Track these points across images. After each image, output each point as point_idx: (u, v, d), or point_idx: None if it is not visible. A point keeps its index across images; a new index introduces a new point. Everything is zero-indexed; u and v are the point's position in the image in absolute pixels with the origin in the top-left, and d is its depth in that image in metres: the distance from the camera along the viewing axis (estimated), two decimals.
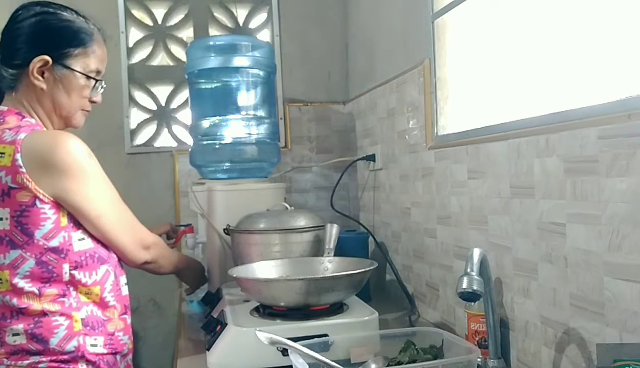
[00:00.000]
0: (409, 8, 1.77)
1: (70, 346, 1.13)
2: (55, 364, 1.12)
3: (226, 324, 1.27)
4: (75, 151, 1.15)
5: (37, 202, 1.11)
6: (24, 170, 1.10)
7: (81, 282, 1.16)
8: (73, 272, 1.15)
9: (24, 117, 1.20)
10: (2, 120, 1.18)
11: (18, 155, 1.11)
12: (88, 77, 1.26)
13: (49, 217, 1.13)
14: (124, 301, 1.26)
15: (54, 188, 1.12)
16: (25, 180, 1.10)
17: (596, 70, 1.04)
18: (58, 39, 1.23)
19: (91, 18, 1.30)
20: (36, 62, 1.19)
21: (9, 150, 1.11)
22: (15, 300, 1.12)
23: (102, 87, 1.30)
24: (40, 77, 1.21)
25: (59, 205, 1.14)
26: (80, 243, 1.17)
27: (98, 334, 1.18)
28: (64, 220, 1.15)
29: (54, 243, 1.13)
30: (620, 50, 0.98)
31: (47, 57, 1.20)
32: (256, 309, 1.37)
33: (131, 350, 1.28)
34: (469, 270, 1.00)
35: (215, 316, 1.37)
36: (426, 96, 1.62)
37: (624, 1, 0.97)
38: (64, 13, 1.25)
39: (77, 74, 1.24)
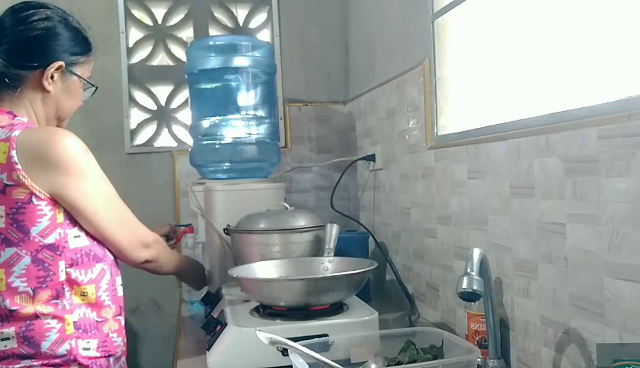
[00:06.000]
0: (409, 8, 1.77)
1: (62, 349, 1.13)
2: None
3: (226, 324, 1.26)
4: (71, 147, 1.15)
5: (34, 199, 1.11)
6: (19, 166, 1.10)
7: (77, 281, 1.16)
8: (69, 270, 1.15)
9: (15, 115, 1.20)
10: None
11: (13, 152, 1.10)
12: (88, 84, 1.29)
13: (45, 214, 1.12)
14: (118, 302, 1.26)
15: (50, 184, 1.12)
16: (21, 177, 1.10)
17: (596, 70, 1.04)
18: (73, 45, 1.25)
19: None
20: (54, 66, 1.21)
21: (3, 147, 1.11)
22: (7, 301, 1.11)
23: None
24: (51, 81, 1.22)
25: (55, 201, 1.14)
26: (76, 240, 1.17)
27: (91, 337, 1.17)
28: (60, 217, 1.15)
29: (49, 240, 1.13)
30: (620, 50, 0.98)
31: (62, 63, 1.22)
32: (256, 309, 1.37)
33: (125, 353, 1.27)
34: (469, 270, 1.00)
35: (215, 316, 1.37)
36: (426, 96, 1.62)
37: (624, 1, 0.98)
38: (69, 18, 1.26)
39: (82, 80, 1.28)
